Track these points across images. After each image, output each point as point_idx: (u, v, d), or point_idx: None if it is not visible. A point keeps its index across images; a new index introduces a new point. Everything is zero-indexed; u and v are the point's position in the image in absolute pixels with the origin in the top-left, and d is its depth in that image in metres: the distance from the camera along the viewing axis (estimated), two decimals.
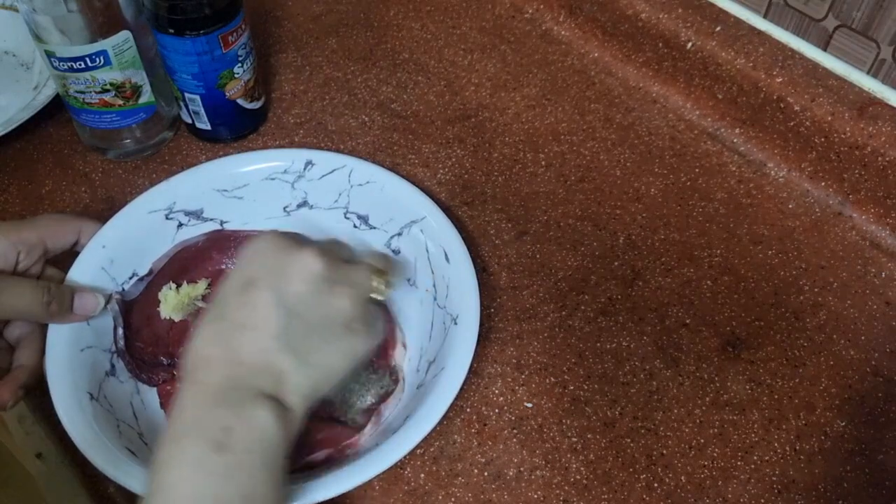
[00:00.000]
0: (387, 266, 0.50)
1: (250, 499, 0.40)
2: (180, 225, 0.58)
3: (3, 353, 0.51)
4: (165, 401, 0.53)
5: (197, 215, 0.58)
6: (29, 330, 0.52)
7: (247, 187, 0.59)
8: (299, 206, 0.60)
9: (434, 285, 0.55)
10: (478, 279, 0.53)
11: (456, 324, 0.51)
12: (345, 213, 0.59)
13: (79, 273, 0.53)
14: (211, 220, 0.59)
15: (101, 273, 0.54)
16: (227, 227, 0.59)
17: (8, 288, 0.48)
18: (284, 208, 0.60)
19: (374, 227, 0.58)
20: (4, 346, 0.52)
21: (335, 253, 0.48)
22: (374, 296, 0.49)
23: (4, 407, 0.48)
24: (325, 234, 0.58)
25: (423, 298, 0.55)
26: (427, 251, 0.56)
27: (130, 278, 0.56)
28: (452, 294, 0.53)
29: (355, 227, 0.59)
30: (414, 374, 0.53)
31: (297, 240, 0.48)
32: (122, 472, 0.45)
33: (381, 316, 0.50)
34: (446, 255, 0.54)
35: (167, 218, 0.57)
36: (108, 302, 0.53)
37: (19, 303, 0.48)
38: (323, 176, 0.59)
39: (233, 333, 0.44)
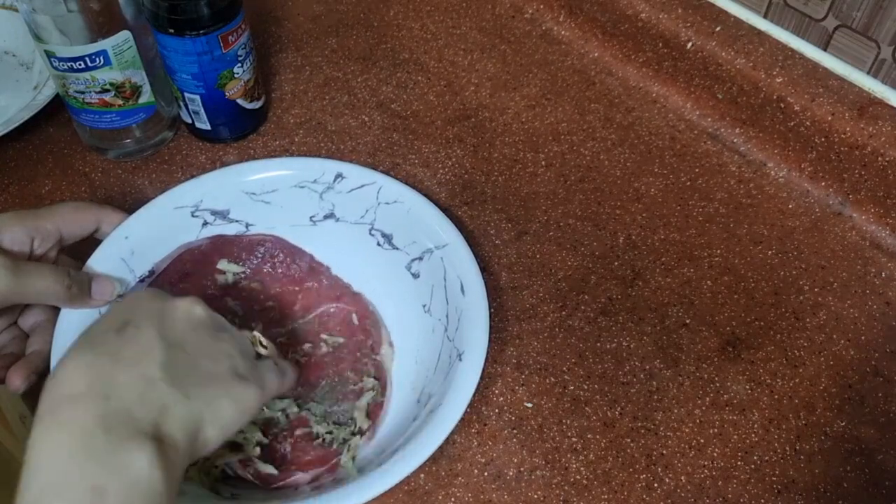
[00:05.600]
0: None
1: None
2: (205, 223, 0.58)
3: (18, 341, 0.52)
4: None
5: (223, 215, 0.58)
6: (44, 318, 0.52)
7: (275, 192, 0.59)
8: (326, 217, 0.59)
9: (447, 316, 0.54)
10: (489, 314, 0.52)
11: (461, 360, 0.50)
12: (370, 230, 0.59)
13: (99, 262, 0.53)
14: (237, 221, 0.59)
15: (120, 264, 0.54)
16: (252, 230, 0.59)
17: (31, 271, 0.48)
18: (311, 218, 0.60)
19: (397, 248, 0.58)
20: (19, 333, 0.53)
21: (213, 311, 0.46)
22: (259, 350, 0.48)
23: (18, 391, 0.49)
24: (348, 249, 0.59)
25: (436, 327, 0.54)
26: (445, 280, 0.55)
27: (151, 273, 0.56)
28: (463, 328, 0.52)
29: (379, 244, 0.59)
30: (414, 406, 0.52)
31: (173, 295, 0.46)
32: None
33: (281, 369, 0.47)
34: (462, 286, 0.54)
35: (193, 215, 0.57)
36: (121, 296, 0.53)
37: (42, 286, 0.49)
38: (352, 190, 0.59)
39: (106, 367, 0.39)
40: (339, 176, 0.59)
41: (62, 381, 0.39)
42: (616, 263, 0.61)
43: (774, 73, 0.64)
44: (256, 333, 0.49)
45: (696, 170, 0.67)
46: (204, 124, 0.66)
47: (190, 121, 0.67)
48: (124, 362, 0.39)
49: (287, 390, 0.48)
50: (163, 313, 0.43)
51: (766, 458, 0.51)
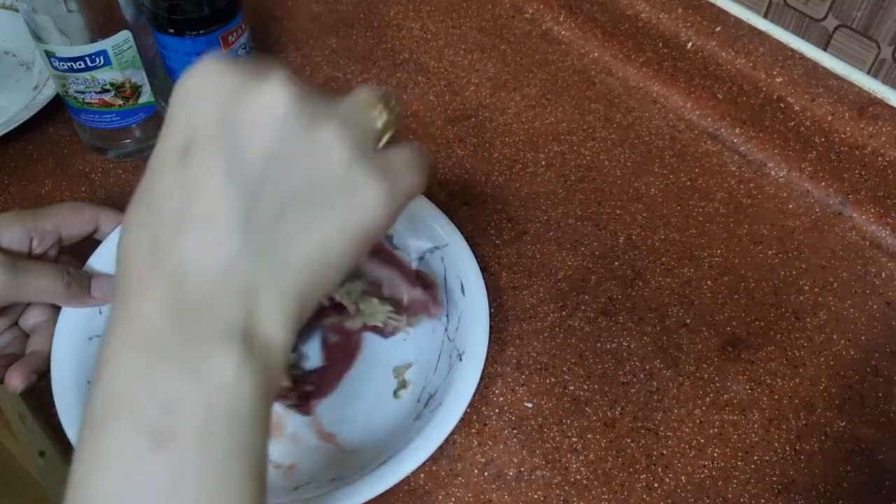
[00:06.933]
0: (385, 95, 0.35)
1: None
2: None
3: (19, 341, 0.52)
4: None
5: None
6: (44, 318, 0.52)
7: None
8: None
9: (447, 316, 0.54)
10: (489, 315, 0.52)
11: (461, 360, 0.50)
12: None
13: (98, 262, 0.53)
14: None
15: None
16: None
17: (30, 269, 0.48)
18: None
19: (397, 248, 0.58)
20: (20, 334, 0.53)
21: (307, 84, 0.34)
22: (379, 126, 0.34)
23: (17, 391, 0.49)
24: None
25: (436, 327, 0.54)
26: (445, 280, 0.55)
27: None
28: (463, 328, 0.52)
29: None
30: (414, 405, 0.52)
31: (251, 67, 0.32)
32: None
33: (415, 156, 0.34)
34: (462, 286, 0.54)
35: None
36: None
37: (41, 283, 0.48)
38: None
39: (169, 234, 0.30)
40: None
41: (127, 254, 0.31)
42: (616, 263, 0.61)
43: (774, 73, 0.64)
44: (375, 96, 0.34)
45: (696, 170, 0.67)
46: None
47: None
48: (191, 224, 0.29)
49: (423, 186, 0.34)
50: (232, 120, 0.30)
51: (766, 458, 0.51)
